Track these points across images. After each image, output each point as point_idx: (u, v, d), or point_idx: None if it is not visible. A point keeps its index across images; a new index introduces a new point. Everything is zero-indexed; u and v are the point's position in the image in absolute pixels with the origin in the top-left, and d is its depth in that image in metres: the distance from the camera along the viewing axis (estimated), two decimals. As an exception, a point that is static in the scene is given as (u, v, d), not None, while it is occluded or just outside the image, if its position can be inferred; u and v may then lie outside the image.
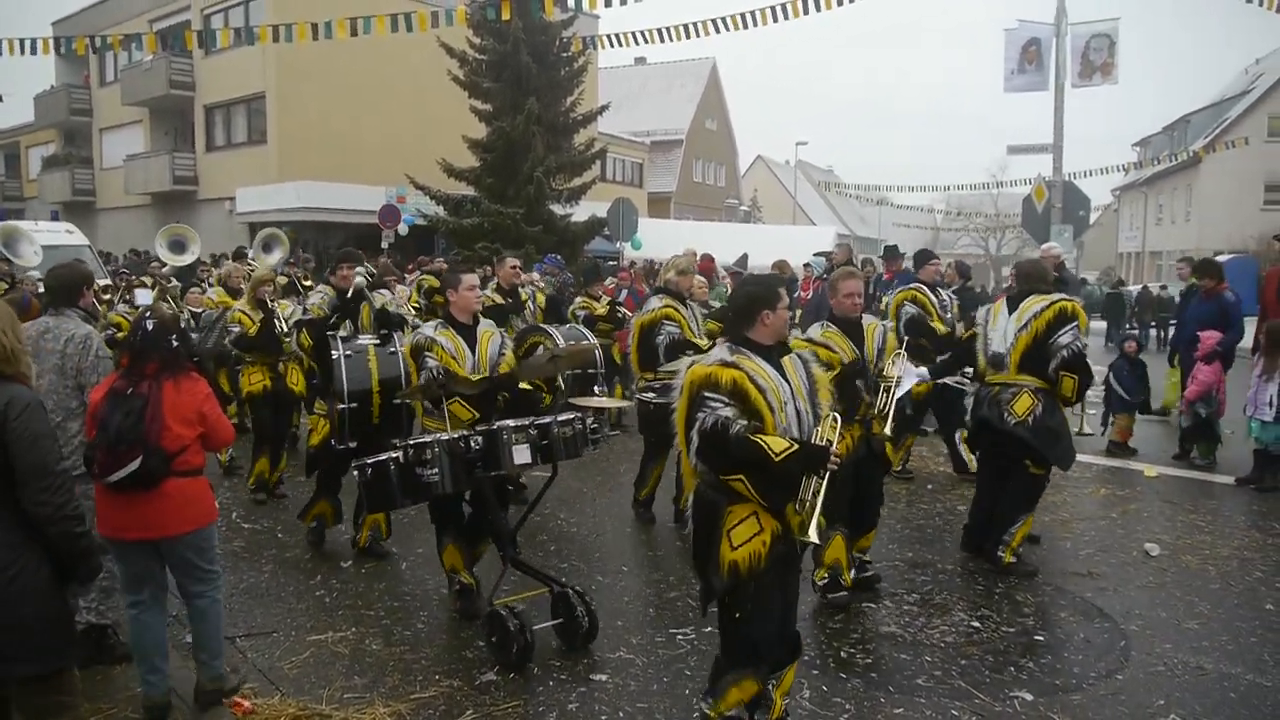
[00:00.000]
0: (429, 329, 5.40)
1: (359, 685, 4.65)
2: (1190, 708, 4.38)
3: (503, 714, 4.36)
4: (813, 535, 3.50)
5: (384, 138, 26.33)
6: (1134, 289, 28.68)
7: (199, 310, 9.97)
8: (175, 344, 4.18)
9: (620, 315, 10.13)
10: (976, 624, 5.41)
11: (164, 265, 13.09)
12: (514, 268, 9.19)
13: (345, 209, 25.78)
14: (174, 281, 12.04)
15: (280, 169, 26.67)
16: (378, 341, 6.33)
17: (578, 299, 10.94)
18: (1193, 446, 9.45)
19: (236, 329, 7.93)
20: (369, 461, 4.90)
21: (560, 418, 5.11)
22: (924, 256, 9.41)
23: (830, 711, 4.37)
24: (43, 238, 15.21)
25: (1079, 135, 69.65)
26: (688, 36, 14.56)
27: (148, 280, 12.39)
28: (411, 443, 4.81)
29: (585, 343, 7.01)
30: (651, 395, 6.89)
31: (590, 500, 8.13)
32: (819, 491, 3.49)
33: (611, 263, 20.61)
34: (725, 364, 3.54)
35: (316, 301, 6.78)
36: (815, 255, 15.69)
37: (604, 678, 4.71)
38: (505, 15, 15.51)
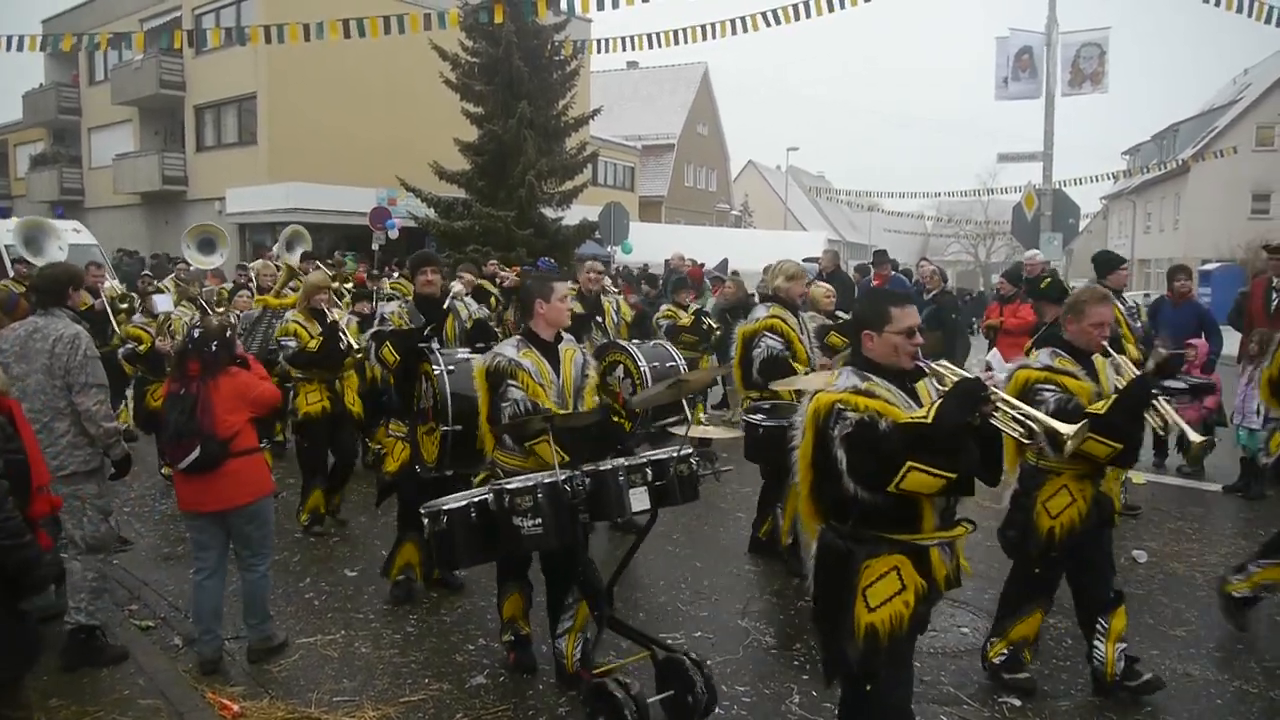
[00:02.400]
0: (510, 349, 4.50)
1: (348, 688, 4.64)
2: (1177, 715, 4.40)
3: (492, 717, 4.35)
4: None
5: (375, 139, 26.27)
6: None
7: (241, 313, 9.05)
8: (215, 348, 4.74)
9: (706, 326, 9.51)
10: (965, 630, 5.42)
11: (190, 266, 12.30)
12: (597, 273, 7.98)
13: (336, 210, 25.71)
14: (207, 284, 11.12)
15: (271, 170, 26.59)
16: (478, 356, 5.43)
17: (663, 307, 10.14)
18: (1167, 451, 9.45)
19: (292, 343, 6.90)
20: (447, 508, 4.05)
21: (676, 452, 4.26)
22: (1112, 262, 8.08)
23: (820, 716, 4.37)
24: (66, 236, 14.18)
25: (1069, 143, 70.03)
26: (679, 41, 14.58)
27: (166, 285, 11.98)
28: (509, 486, 3.93)
29: (711, 367, 6.42)
30: (760, 417, 5.92)
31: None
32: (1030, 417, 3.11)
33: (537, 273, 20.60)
34: (859, 391, 3.11)
35: (395, 310, 5.89)
36: (805, 260, 15.72)
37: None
38: (498, 18, 15.50)
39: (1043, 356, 4.47)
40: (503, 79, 21.91)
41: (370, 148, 26.07)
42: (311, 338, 6.89)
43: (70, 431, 4.71)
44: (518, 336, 4.64)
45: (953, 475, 2.95)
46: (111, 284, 10.69)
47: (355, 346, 6.76)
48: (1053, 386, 4.23)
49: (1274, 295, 8.83)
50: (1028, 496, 4.43)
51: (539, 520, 3.90)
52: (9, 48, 13.23)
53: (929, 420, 2.96)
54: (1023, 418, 3.16)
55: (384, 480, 6.10)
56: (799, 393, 5.62)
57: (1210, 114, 43.83)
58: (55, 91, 34.94)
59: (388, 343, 5.59)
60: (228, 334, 4.90)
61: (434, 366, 5.39)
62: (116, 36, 15.68)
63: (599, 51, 16.95)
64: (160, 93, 29.44)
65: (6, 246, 17.33)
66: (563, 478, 4.00)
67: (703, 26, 14.42)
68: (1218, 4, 12.88)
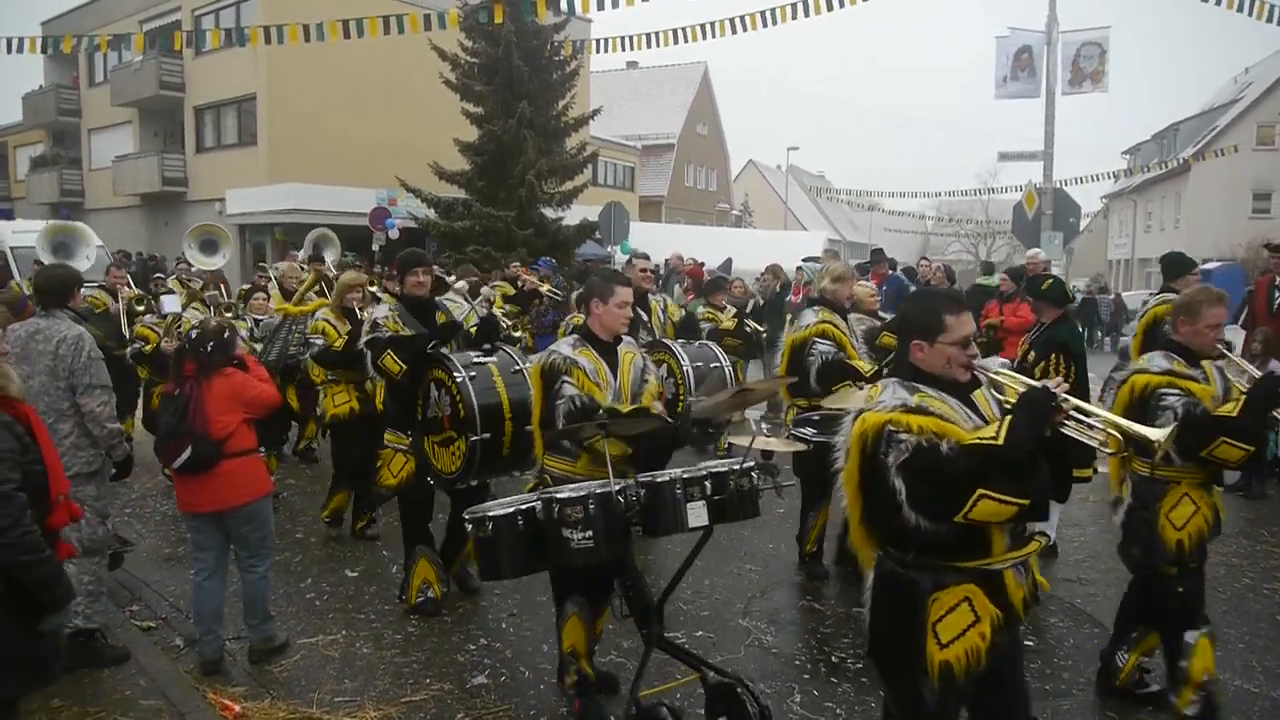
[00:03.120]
0: (566, 347, 4.29)
1: (349, 688, 4.64)
2: (1178, 713, 4.39)
3: (493, 717, 4.35)
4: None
5: (375, 140, 26.27)
6: (1107, 296, 28.88)
7: (261, 317, 8.81)
8: (211, 349, 4.74)
9: (749, 329, 9.22)
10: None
11: (191, 267, 12.12)
12: (646, 271, 7.64)
13: (336, 211, 25.67)
14: (221, 291, 10.92)
15: (270, 170, 26.59)
16: (492, 358, 5.29)
17: (700, 309, 9.76)
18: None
19: (319, 341, 6.82)
20: (494, 514, 3.81)
21: (736, 465, 3.97)
22: (1184, 265, 7.49)
23: (821, 716, 4.37)
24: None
25: (1069, 143, 70.12)
26: (679, 41, 14.56)
27: (173, 284, 11.59)
28: (559, 496, 3.71)
29: (777, 376, 5.85)
30: (810, 430, 5.54)
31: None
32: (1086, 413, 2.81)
33: (603, 266, 20.61)
34: (909, 409, 2.79)
35: (387, 315, 5.50)
36: (805, 260, 15.73)
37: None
38: (497, 18, 15.49)
39: (1158, 359, 4.17)
40: (502, 79, 21.91)
41: (370, 148, 26.07)
42: (339, 336, 6.77)
43: (74, 433, 4.71)
44: (575, 335, 4.41)
45: (1026, 502, 2.67)
46: (129, 287, 10.58)
47: None
48: (1177, 391, 4.00)
49: (1277, 294, 8.84)
50: (1148, 510, 4.19)
51: (589, 532, 3.67)
52: (9, 49, 13.21)
53: (999, 440, 2.66)
54: (1103, 425, 2.85)
55: (379, 494, 5.77)
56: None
57: (1211, 113, 43.83)
58: (55, 93, 34.95)
59: (389, 351, 5.25)
60: (225, 335, 4.88)
61: (455, 374, 5.06)
62: (116, 38, 15.67)
63: (599, 51, 16.98)
64: (160, 94, 29.45)
65: (11, 249, 17.32)
66: (616, 488, 3.75)
67: (702, 26, 14.42)
68: (1218, 3, 12.86)
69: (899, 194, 39.06)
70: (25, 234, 17.29)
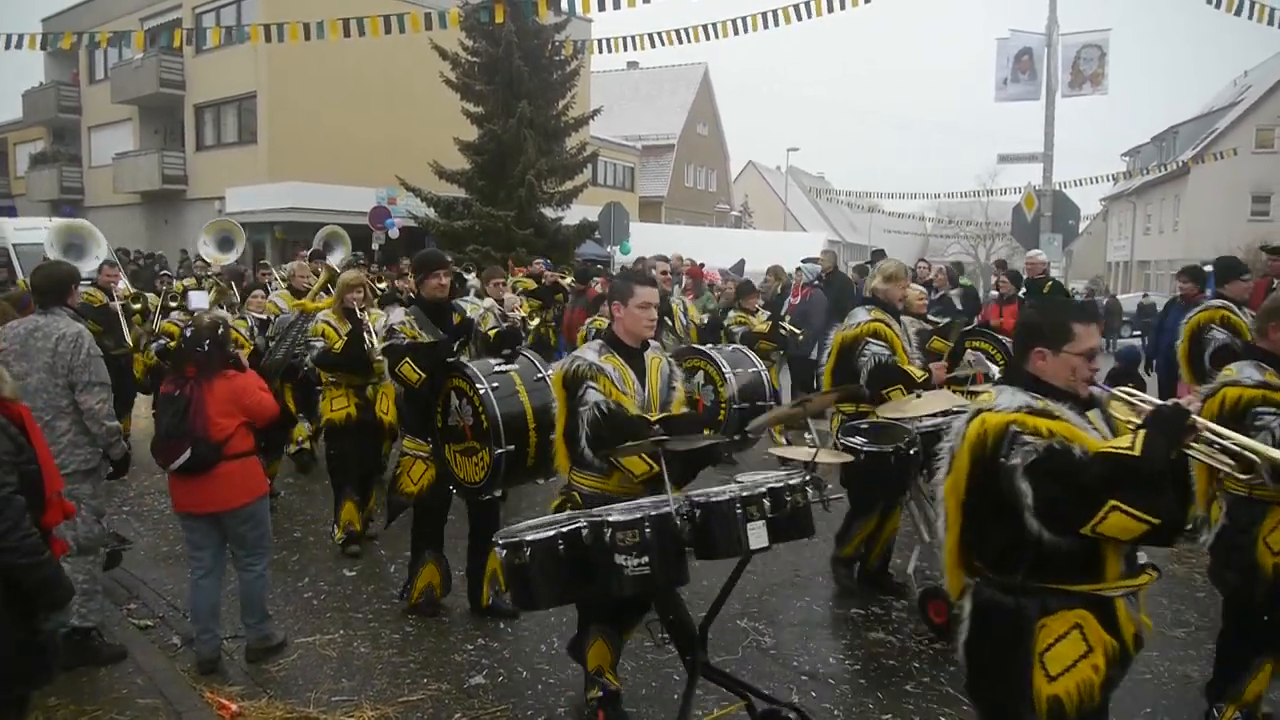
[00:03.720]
0: (591, 353, 4.05)
1: (347, 688, 4.63)
2: (1177, 716, 4.39)
3: (491, 717, 4.35)
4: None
5: (375, 139, 26.26)
6: (1102, 299, 28.87)
7: (263, 316, 8.47)
8: (209, 348, 4.72)
9: (784, 332, 8.96)
10: (965, 631, 5.42)
11: (208, 265, 11.84)
12: (665, 274, 7.36)
13: (336, 210, 25.62)
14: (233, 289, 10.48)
15: (270, 169, 26.57)
16: (513, 365, 5.08)
17: (732, 313, 9.49)
18: None
19: (319, 343, 6.58)
20: (531, 538, 3.48)
21: (791, 479, 3.71)
22: (1235, 269, 7.27)
23: (819, 718, 4.36)
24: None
25: (1069, 145, 70.04)
26: (680, 41, 14.57)
27: (191, 282, 11.33)
28: (611, 518, 3.41)
29: (843, 386, 5.48)
30: (860, 440, 5.29)
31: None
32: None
33: (600, 266, 20.62)
34: (1034, 412, 2.62)
35: (404, 320, 5.28)
36: (805, 261, 15.72)
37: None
38: (498, 18, 15.49)
39: (1249, 370, 3.80)
40: (503, 79, 21.91)
41: (370, 147, 26.05)
42: (339, 338, 6.54)
43: (71, 430, 4.71)
44: (599, 341, 4.16)
45: (1157, 521, 2.46)
46: (124, 285, 10.42)
47: (379, 348, 6.19)
48: (1273, 409, 3.69)
49: (1058, 299, 8.87)
50: (1245, 534, 3.84)
51: (645, 559, 3.35)
52: (9, 46, 13.20)
53: (1136, 452, 2.47)
54: (1237, 448, 2.68)
55: (399, 500, 5.53)
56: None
57: (1210, 116, 43.83)
58: (55, 90, 34.93)
59: (406, 359, 5.00)
60: (219, 332, 4.85)
61: (477, 384, 4.84)
62: (116, 35, 15.68)
63: (599, 51, 16.97)
64: (160, 91, 29.43)
65: (14, 245, 17.25)
66: (677, 505, 3.45)
67: (703, 26, 14.42)
68: (1218, 5, 12.87)
69: (899, 195, 39.03)
70: (28, 231, 17.20)
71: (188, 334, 4.85)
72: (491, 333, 5.46)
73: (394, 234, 22.18)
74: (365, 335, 6.45)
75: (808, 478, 3.75)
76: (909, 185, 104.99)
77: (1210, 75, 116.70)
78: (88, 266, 10.71)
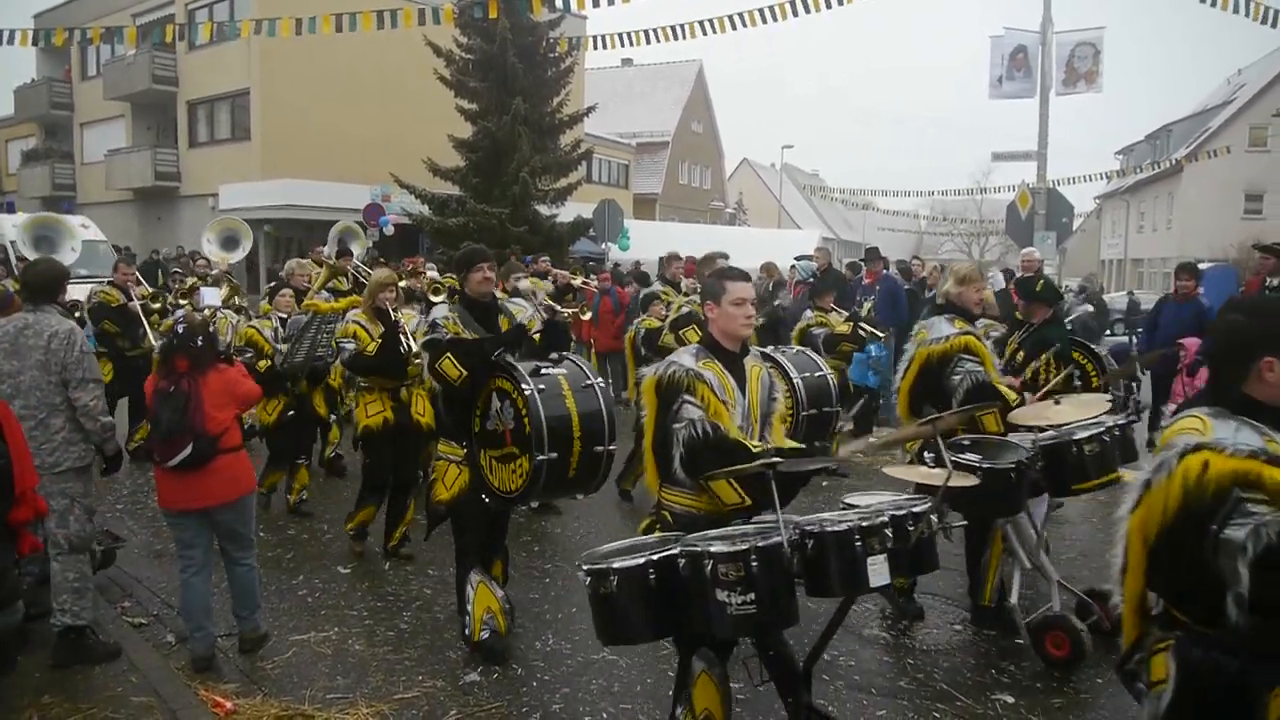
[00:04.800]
0: (688, 358, 3.62)
1: (342, 685, 4.63)
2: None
3: (486, 714, 4.35)
4: None
5: (369, 136, 26.22)
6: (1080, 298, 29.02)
7: (286, 315, 7.96)
8: (200, 343, 4.75)
9: (864, 334, 8.54)
10: (959, 627, 5.43)
11: (211, 265, 11.55)
12: (687, 270, 7.09)
13: (330, 207, 25.64)
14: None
15: (264, 166, 26.53)
16: (560, 369, 4.72)
17: (808, 313, 8.98)
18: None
19: (351, 345, 6.21)
20: (618, 566, 3.18)
21: (914, 506, 3.31)
22: None
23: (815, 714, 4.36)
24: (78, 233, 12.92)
25: (1063, 143, 70.36)
26: (675, 38, 14.55)
27: (198, 279, 10.77)
28: (713, 549, 3.04)
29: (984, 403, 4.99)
30: (975, 457, 4.70)
31: (576, 500, 8.10)
32: None
33: (593, 263, 20.60)
34: (1273, 460, 2.12)
35: (447, 315, 4.96)
36: (798, 259, 15.72)
37: (588, 679, 4.70)
38: (492, 14, 15.45)
39: None
40: (497, 75, 21.88)
41: (364, 144, 26.02)
42: (372, 340, 6.19)
43: (65, 427, 4.69)
44: (696, 344, 3.77)
45: None
46: (144, 284, 10.09)
47: (416, 350, 6.07)
48: None
49: (1267, 295, 8.87)
50: None
51: (751, 595, 2.99)
52: (0, 42, 13.15)
53: None
54: None
55: (436, 510, 5.12)
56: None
57: (1204, 114, 43.96)
58: (47, 86, 34.82)
59: (449, 354, 4.70)
60: (210, 329, 4.95)
61: (523, 385, 4.48)
62: (109, 31, 15.62)
63: (594, 48, 16.89)
64: (153, 88, 29.37)
65: (11, 243, 17.26)
66: (790, 533, 3.10)
67: (698, 23, 14.41)
68: (1213, 4, 12.89)
69: (893, 193, 39.01)
70: None
71: (180, 329, 4.86)
72: (537, 336, 5.07)
73: (388, 231, 22.14)
74: (403, 338, 6.15)
75: (929, 503, 3.35)
76: (903, 183, 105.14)
77: (1204, 74, 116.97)
78: (65, 260, 10.53)
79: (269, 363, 7.27)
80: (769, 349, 6.40)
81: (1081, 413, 4.80)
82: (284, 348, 7.37)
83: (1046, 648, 4.79)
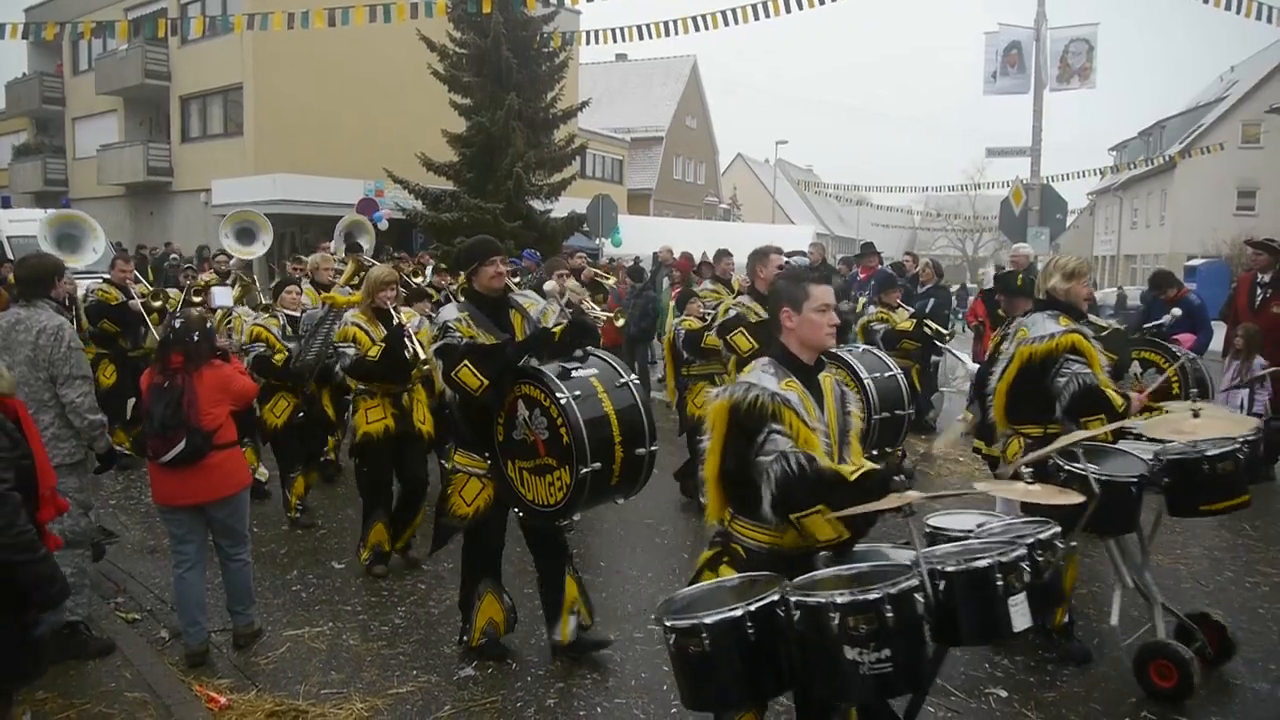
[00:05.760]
0: (769, 379, 3.14)
1: (336, 680, 4.62)
2: (1162, 704, 4.42)
3: (480, 709, 4.35)
4: None
5: (362, 131, 26.15)
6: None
7: (296, 312, 7.53)
8: (197, 339, 4.75)
9: (929, 331, 8.30)
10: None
11: (230, 259, 11.13)
12: (782, 268, 6.31)
13: (323, 202, 25.60)
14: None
15: (257, 161, 26.43)
16: (591, 369, 4.39)
17: (872, 309, 8.84)
18: None
19: (351, 350, 5.81)
20: (710, 620, 2.75)
21: (1040, 532, 2.98)
22: None
23: (808, 708, 4.38)
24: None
25: (1056, 139, 70.27)
26: (668, 34, 14.55)
27: (208, 277, 10.51)
28: (839, 600, 2.63)
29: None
30: (1092, 466, 4.32)
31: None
32: None
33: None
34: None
35: (458, 317, 4.57)
36: (792, 254, 15.70)
37: (582, 673, 4.70)
38: (486, 9, 15.41)
39: None
40: (491, 70, 21.82)
41: (357, 139, 25.95)
42: (373, 343, 5.83)
43: (54, 424, 4.68)
44: (767, 359, 3.28)
45: None
46: (144, 282, 9.94)
47: (423, 356, 5.77)
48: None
49: (1258, 291, 8.89)
50: None
51: (887, 651, 2.57)
52: (-10, 35, 13.07)
53: None
54: None
55: (449, 525, 4.79)
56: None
57: (1197, 110, 44.08)
58: (39, 81, 34.64)
59: (466, 362, 4.30)
60: (207, 324, 4.95)
61: (557, 394, 4.12)
62: (100, 25, 15.53)
63: (587, 43, 16.88)
64: (145, 83, 29.21)
65: (8, 238, 17.18)
66: (915, 581, 2.68)
67: (692, 18, 14.41)
68: (1206, 0, 12.92)
69: (887, 189, 38.94)
70: (22, 223, 17.14)
71: (176, 324, 4.85)
72: (556, 330, 4.60)
73: (382, 226, 22.08)
74: (407, 341, 5.80)
75: (1055, 529, 2.98)
76: (897, 179, 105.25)
77: (1197, 70, 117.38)
78: (85, 260, 10.27)
79: (285, 354, 7.03)
80: (835, 348, 5.89)
81: (1227, 429, 4.33)
82: (293, 346, 7.09)
83: (1151, 678, 4.39)
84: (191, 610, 4.80)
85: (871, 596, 2.60)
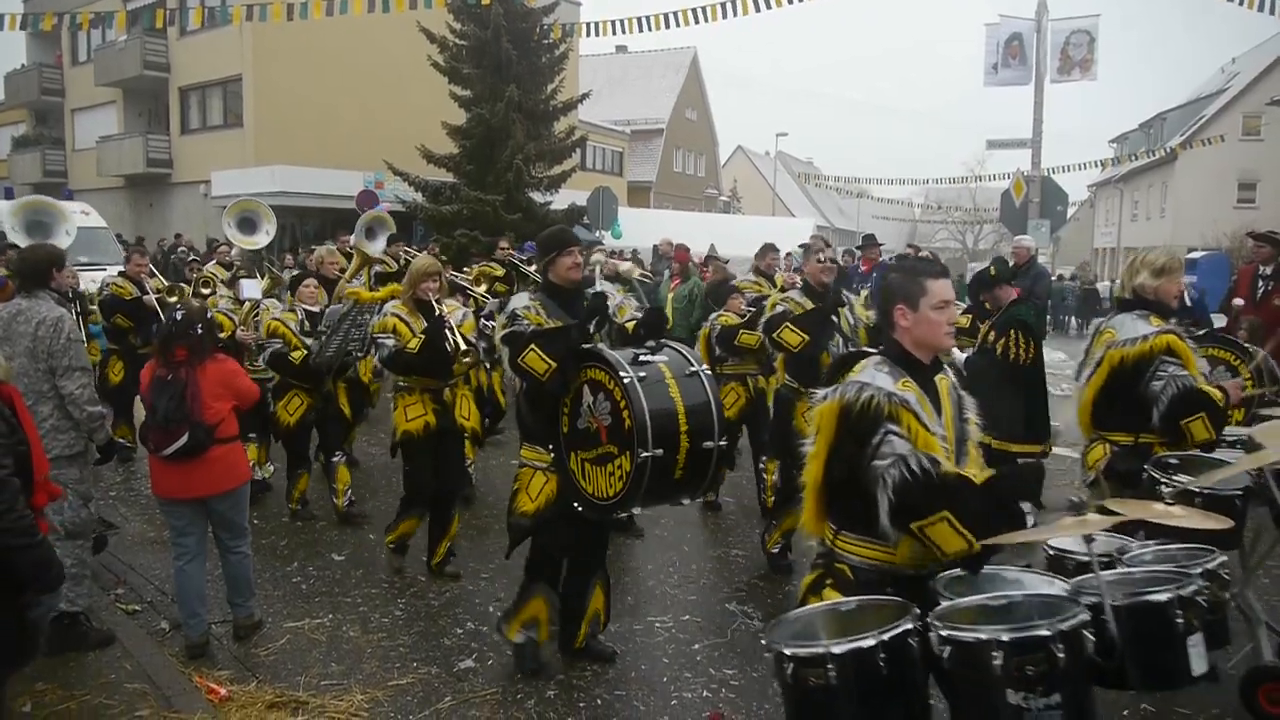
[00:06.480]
0: (884, 378, 2.88)
1: (336, 672, 4.63)
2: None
3: (481, 701, 4.36)
4: None
5: (362, 123, 26.11)
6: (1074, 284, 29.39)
7: (315, 307, 7.29)
8: (200, 332, 4.75)
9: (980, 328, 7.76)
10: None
11: (232, 248, 10.86)
12: (826, 262, 6.01)
13: (322, 194, 25.59)
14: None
15: (257, 152, 26.40)
16: (660, 356, 4.16)
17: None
18: None
19: (390, 341, 5.61)
20: (839, 650, 2.49)
21: (1208, 561, 2.79)
22: None
23: (807, 700, 4.38)
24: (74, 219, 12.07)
25: (1057, 131, 70.08)
26: (669, 26, 14.51)
27: (217, 271, 10.31)
28: (1004, 638, 2.39)
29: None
30: (1186, 479, 4.05)
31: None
32: None
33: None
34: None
35: (528, 305, 4.46)
36: (800, 246, 15.66)
37: (582, 665, 4.70)
38: (485, 0, 15.37)
39: None
40: (491, 62, 21.76)
41: (357, 131, 25.92)
42: (413, 335, 5.63)
43: (53, 415, 4.68)
44: (877, 357, 3.03)
45: None
46: (159, 277, 9.65)
47: (464, 348, 5.63)
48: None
49: (1260, 283, 8.88)
50: None
51: (1056, 697, 2.34)
52: (-13, 26, 13.03)
53: None
54: None
55: (519, 523, 4.58)
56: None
57: (1198, 102, 43.96)
58: (38, 72, 34.59)
59: (533, 347, 4.19)
60: (208, 315, 4.97)
61: (620, 373, 3.94)
62: (98, 16, 15.51)
63: (588, 35, 16.87)
64: (144, 74, 29.18)
65: (10, 229, 17.11)
66: (1086, 616, 2.43)
67: (692, 10, 14.36)
68: (1207, -9, 12.87)
69: (887, 181, 38.97)
70: None
71: (178, 318, 4.82)
72: (629, 325, 4.50)
73: (381, 218, 22.05)
74: (449, 333, 5.58)
75: (1224, 558, 2.69)
76: (897, 171, 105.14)
77: (1198, 62, 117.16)
78: (60, 244, 10.19)
79: (303, 352, 6.85)
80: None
81: None
82: (311, 341, 6.89)
83: (1260, 703, 3.97)
84: (192, 602, 4.81)
85: (1042, 633, 2.34)
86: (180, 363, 4.67)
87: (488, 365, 7.69)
